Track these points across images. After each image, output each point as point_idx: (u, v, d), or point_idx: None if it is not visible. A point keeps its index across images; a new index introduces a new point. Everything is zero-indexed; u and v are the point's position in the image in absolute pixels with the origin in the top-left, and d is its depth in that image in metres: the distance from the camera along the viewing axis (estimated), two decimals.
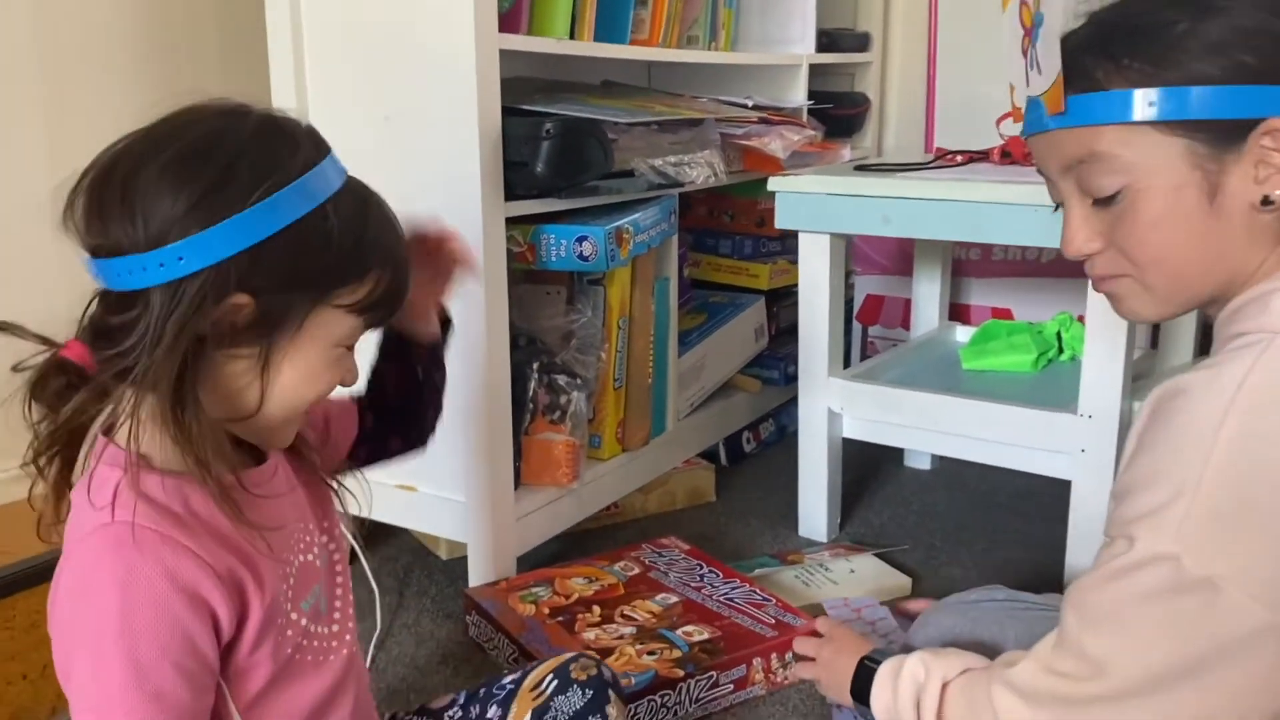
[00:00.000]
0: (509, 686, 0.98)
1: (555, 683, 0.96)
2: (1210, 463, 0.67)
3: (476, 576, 1.45)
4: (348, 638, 0.84)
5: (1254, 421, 0.67)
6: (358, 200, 0.74)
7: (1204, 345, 1.83)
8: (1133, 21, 0.74)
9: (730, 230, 2.09)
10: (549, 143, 1.35)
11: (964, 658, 0.90)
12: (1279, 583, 0.66)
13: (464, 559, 1.49)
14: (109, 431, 0.71)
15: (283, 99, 1.43)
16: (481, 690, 0.99)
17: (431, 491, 1.48)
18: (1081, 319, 1.86)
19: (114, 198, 0.66)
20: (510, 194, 1.38)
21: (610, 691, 0.97)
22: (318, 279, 0.71)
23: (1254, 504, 0.66)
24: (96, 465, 0.70)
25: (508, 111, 1.37)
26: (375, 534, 1.64)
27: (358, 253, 0.73)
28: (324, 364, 0.74)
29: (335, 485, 0.89)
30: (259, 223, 0.66)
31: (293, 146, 0.70)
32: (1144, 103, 0.72)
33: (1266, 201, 0.71)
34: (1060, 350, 1.81)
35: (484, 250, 1.35)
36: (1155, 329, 1.82)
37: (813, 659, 1.09)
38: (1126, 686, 0.71)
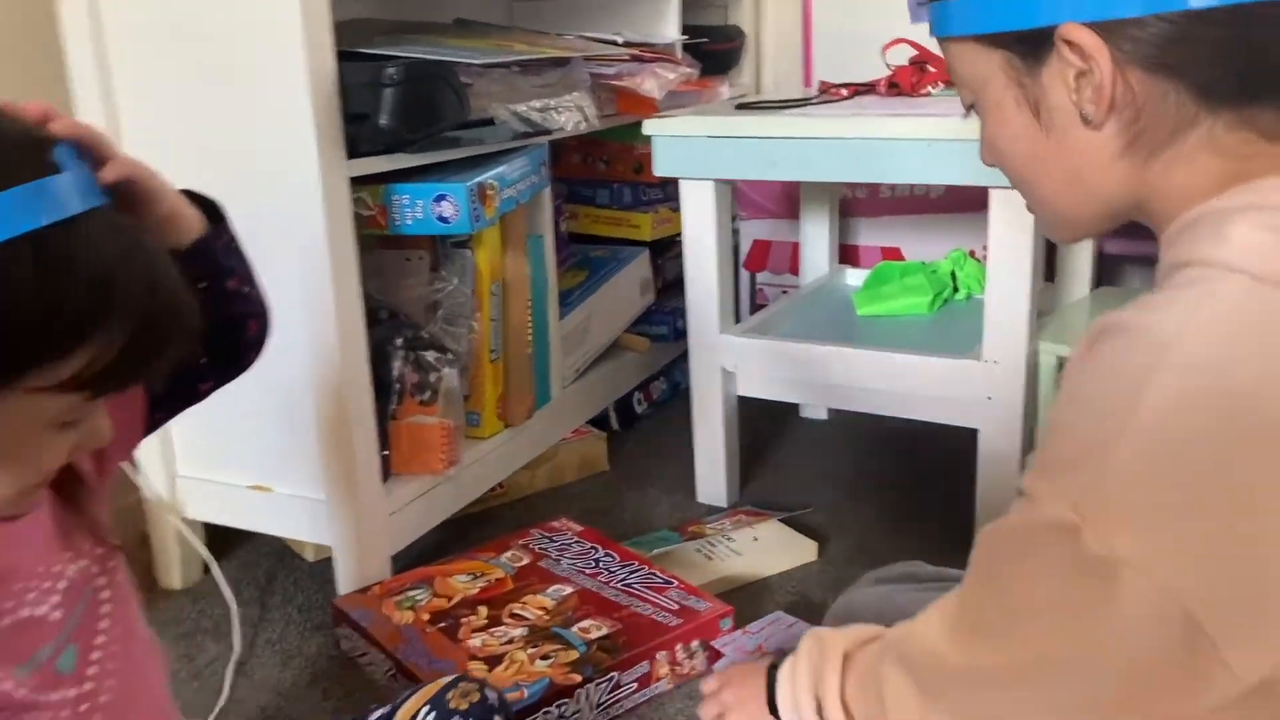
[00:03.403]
0: None
1: (432, 715, 0.86)
2: (1130, 428, 0.55)
3: (346, 583, 1.30)
4: (109, 681, 0.69)
5: (1187, 383, 0.54)
6: (58, 252, 0.54)
7: (1100, 277, 1.79)
8: None
9: (607, 178, 1.95)
10: (392, 90, 1.18)
11: (869, 628, 0.79)
12: (1189, 574, 0.55)
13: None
14: None
15: (77, 50, 1.22)
16: None
17: (288, 491, 1.32)
18: (974, 254, 1.80)
19: None
20: (354, 151, 1.21)
21: (496, 718, 0.86)
22: None
23: (1173, 483, 0.55)
24: None
25: (344, 57, 1.19)
26: (231, 537, 1.47)
27: (53, 323, 0.53)
28: (32, 449, 0.57)
29: (107, 540, 0.72)
30: None
31: None
32: (954, 15, 0.68)
33: (1086, 119, 0.63)
34: (955, 289, 1.74)
35: (326, 216, 1.18)
36: (1050, 259, 1.76)
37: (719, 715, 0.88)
38: (1011, 665, 0.62)
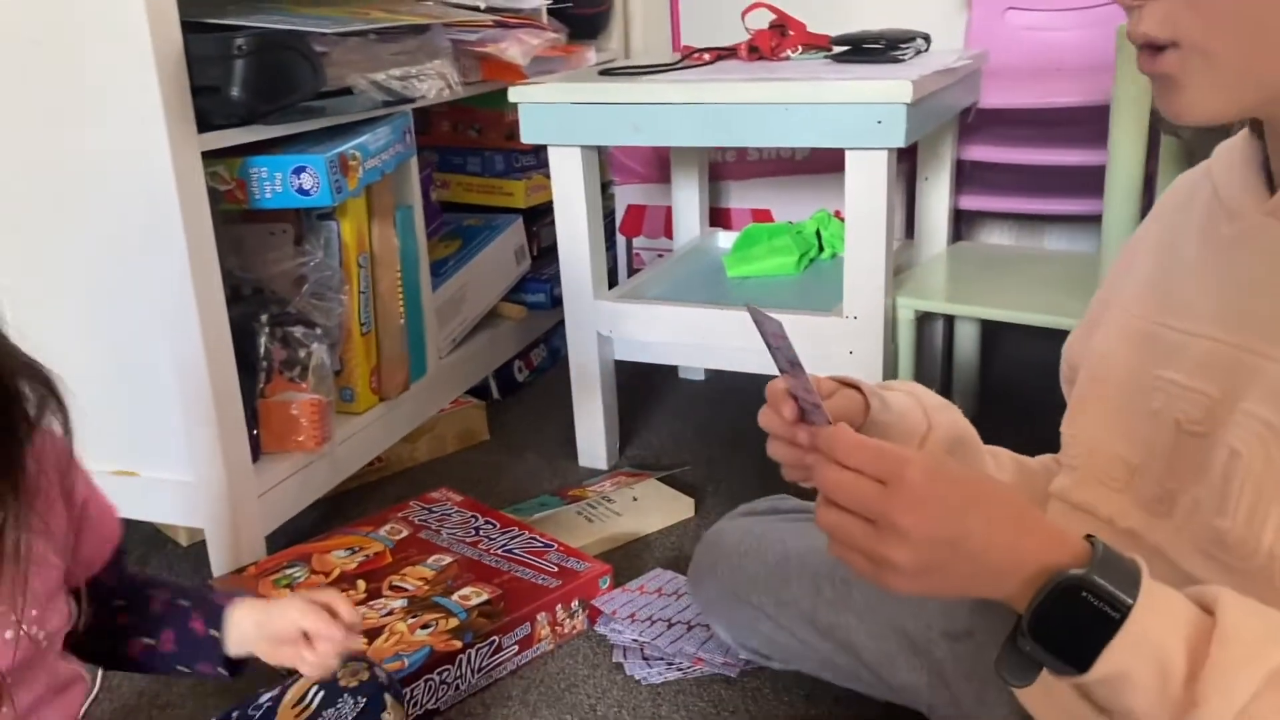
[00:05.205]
0: (266, 705, 0.87)
1: (322, 694, 0.87)
2: None
3: (220, 565, 1.29)
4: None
5: None
6: None
7: (958, 232, 1.86)
8: None
9: (478, 146, 1.94)
10: (243, 61, 1.15)
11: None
12: None
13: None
14: None
15: None
16: (235, 713, 0.87)
17: (155, 475, 1.29)
18: (839, 215, 1.86)
19: None
20: (205, 124, 1.18)
21: (386, 696, 0.89)
22: None
23: None
24: None
25: (190, 28, 1.16)
26: None
27: None
28: None
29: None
30: None
31: None
32: None
33: None
34: (821, 249, 1.79)
35: (179, 192, 1.15)
36: (910, 216, 1.83)
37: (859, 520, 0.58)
38: None
